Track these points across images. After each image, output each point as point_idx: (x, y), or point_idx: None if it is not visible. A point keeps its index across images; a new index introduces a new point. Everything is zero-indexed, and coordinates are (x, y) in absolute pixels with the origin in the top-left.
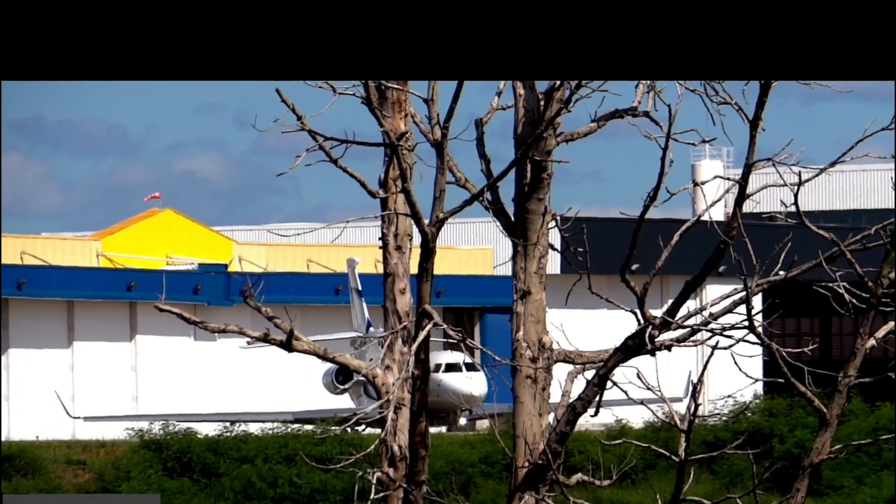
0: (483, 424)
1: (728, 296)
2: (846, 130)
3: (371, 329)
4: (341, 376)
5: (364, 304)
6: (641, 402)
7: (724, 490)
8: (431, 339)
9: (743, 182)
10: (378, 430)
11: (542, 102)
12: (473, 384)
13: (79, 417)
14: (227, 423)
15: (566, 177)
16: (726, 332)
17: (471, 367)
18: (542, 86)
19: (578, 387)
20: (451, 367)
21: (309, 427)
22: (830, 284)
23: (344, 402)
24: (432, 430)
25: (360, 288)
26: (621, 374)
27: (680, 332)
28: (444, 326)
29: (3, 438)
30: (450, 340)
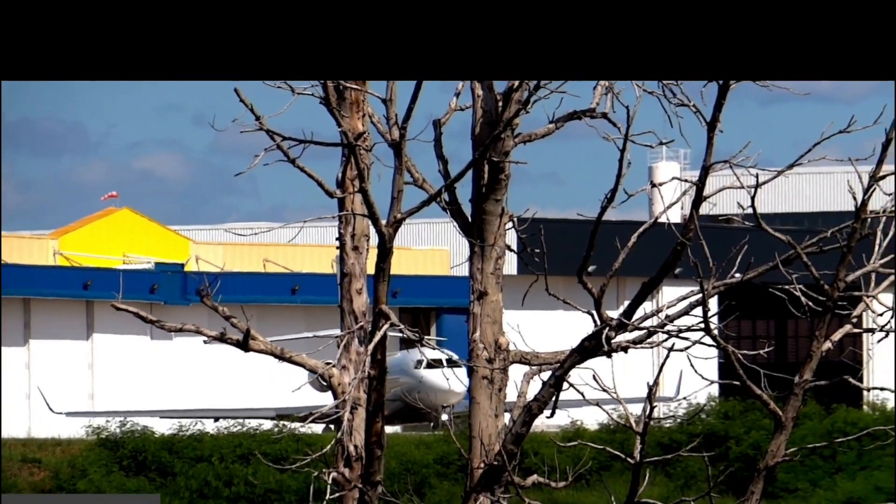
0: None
1: (684, 298)
2: (803, 133)
3: None
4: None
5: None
6: (597, 404)
7: (679, 492)
8: (391, 336)
9: (700, 184)
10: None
11: (500, 103)
12: (454, 381)
13: (61, 413)
14: (212, 420)
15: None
16: (682, 334)
17: (452, 364)
18: (500, 87)
19: (534, 388)
20: (432, 364)
21: (267, 426)
22: (787, 287)
23: (329, 399)
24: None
25: None
26: (578, 375)
27: (636, 333)
28: (401, 326)
29: None
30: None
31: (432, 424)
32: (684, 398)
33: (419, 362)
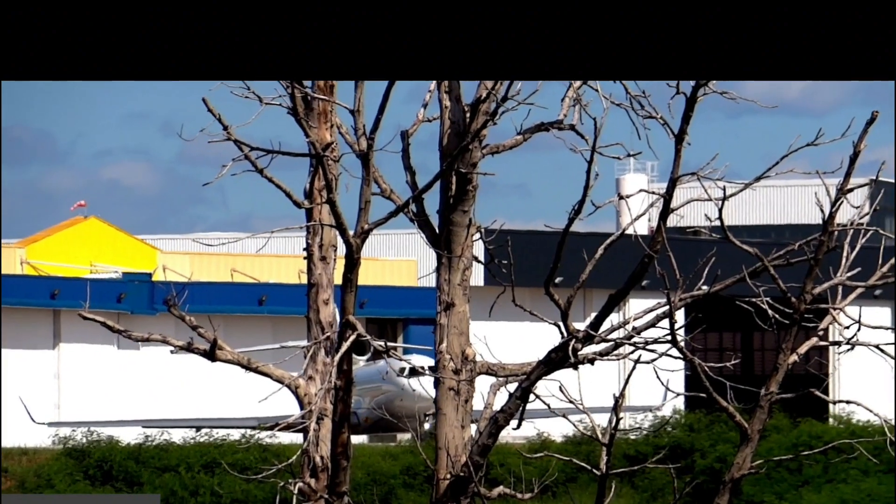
0: (406, 436)
1: (651, 310)
2: (771, 145)
3: None
4: None
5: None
6: (563, 416)
7: None
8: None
9: (668, 196)
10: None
11: (467, 114)
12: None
13: (43, 423)
14: (194, 429)
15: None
16: (649, 346)
17: (414, 373)
18: (468, 98)
19: (501, 399)
20: (415, 372)
21: (235, 436)
22: (754, 299)
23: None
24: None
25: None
26: (544, 387)
27: (603, 345)
28: (368, 337)
29: None
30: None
31: (417, 433)
32: (652, 409)
33: (402, 370)
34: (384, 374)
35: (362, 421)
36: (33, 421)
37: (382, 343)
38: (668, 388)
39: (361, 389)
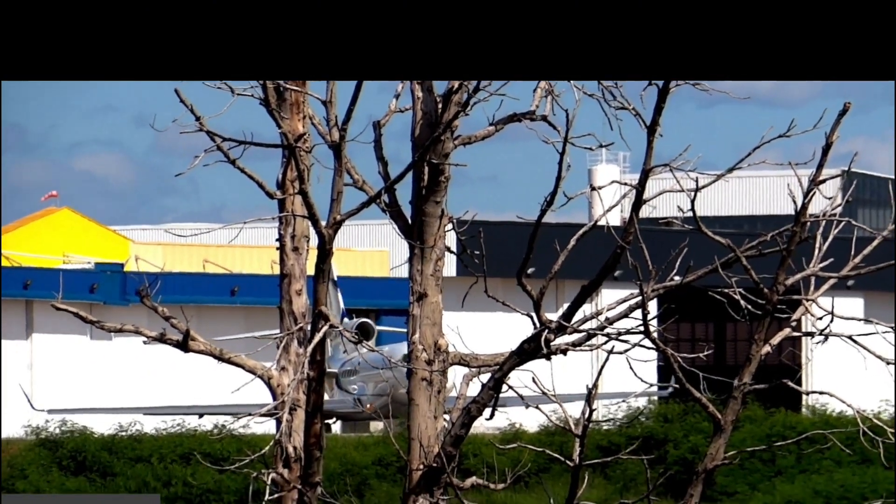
0: (379, 426)
1: (624, 300)
2: (744, 136)
3: (346, 320)
4: None
5: (339, 295)
6: (536, 406)
7: (617, 495)
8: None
9: (640, 187)
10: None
11: (440, 105)
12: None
13: (42, 410)
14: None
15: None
16: (622, 337)
17: None
18: (440, 88)
19: (474, 390)
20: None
21: (208, 426)
22: (726, 290)
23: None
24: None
25: (335, 278)
26: (517, 377)
27: (575, 336)
28: (340, 328)
29: None
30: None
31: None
32: (626, 399)
33: (405, 356)
34: (389, 360)
35: (366, 408)
36: (33, 408)
37: (355, 333)
38: (643, 381)
39: (365, 376)
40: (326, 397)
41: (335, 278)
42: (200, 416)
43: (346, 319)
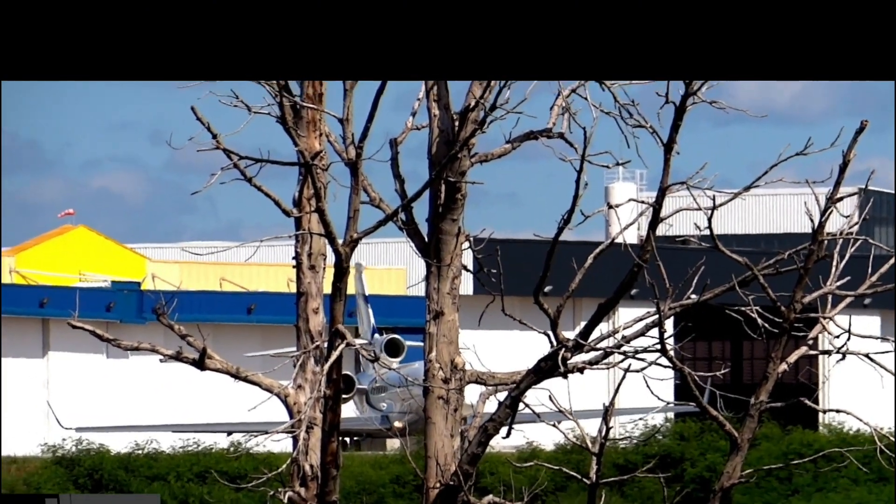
0: (395, 444)
1: (641, 319)
2: (760, 154)
3: (376, 336)
4: (342, 385)
5: (370, 311)
6: (554, 425)
7: None
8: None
9: (657, 205)
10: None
11: (456, 123)
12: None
13: (70, 428)
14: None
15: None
16: (639, 355)
17: None
18: (456, 106)
19: (491, 408)
20: None
21: (225, 445)
22: (743, 308)
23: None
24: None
25: (366, 294)
26: (533, 395)
27: (592, 354)
28: (357, 346)
29: None
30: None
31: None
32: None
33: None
34: (406, 379)
35: (393, 426)
36: (61, 426)
37: (372, 352)
38: (660, 398)
39: (393, 393)
40: (355, 414)
41: (366, 293)
42: (229, 433)
43: (376, 335)
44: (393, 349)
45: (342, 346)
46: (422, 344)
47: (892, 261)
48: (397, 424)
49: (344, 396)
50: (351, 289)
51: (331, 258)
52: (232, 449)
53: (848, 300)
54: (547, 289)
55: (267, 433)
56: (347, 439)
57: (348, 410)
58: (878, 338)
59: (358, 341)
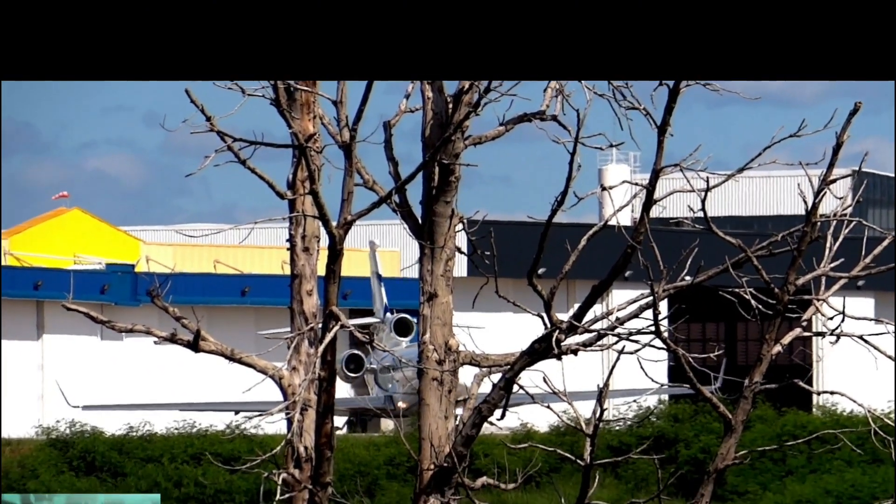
0: (389, 426)
1: (634, 300)
2: (754, 136)
3: (388, 315)
4: (352, 364)
5: (383, 290)
6: (547, 406)
7: (628, 495)
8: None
9: (650, 187)
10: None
11: (450, 105)
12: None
13: (77, 406)
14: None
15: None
16: (632, 337)
17: None
18: (450, 89)
19: (485, 390)
20: None
21: (219, 426)
22: (737, 290)
23: (349, 391)
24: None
25: (380, 272)
26: (528, 377)
27: (586, 336)
28: (351, 328)
29: None
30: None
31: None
32: (634, 400)
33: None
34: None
35: (396, 406)
36: (69, 405)
37: (368, 334)
38: (653, 380)
39: (398, 374)
40: (349, 395)
41: (380, 272)
42: (237, 412)
43: (387, 314)
44: (402, 328)
45: (336, 328)
46: None
47: (885, 242)
48: (401, 405)
49: (353, 376)
50: (364, 269)
51: (325, 240)
52: (227, 431)
53: (842, 282)
54: (541, 271)
55: (262, 413)
56: (342, 420)
57: (342, 391)
58: (871, 319)
59: (352, 322)
